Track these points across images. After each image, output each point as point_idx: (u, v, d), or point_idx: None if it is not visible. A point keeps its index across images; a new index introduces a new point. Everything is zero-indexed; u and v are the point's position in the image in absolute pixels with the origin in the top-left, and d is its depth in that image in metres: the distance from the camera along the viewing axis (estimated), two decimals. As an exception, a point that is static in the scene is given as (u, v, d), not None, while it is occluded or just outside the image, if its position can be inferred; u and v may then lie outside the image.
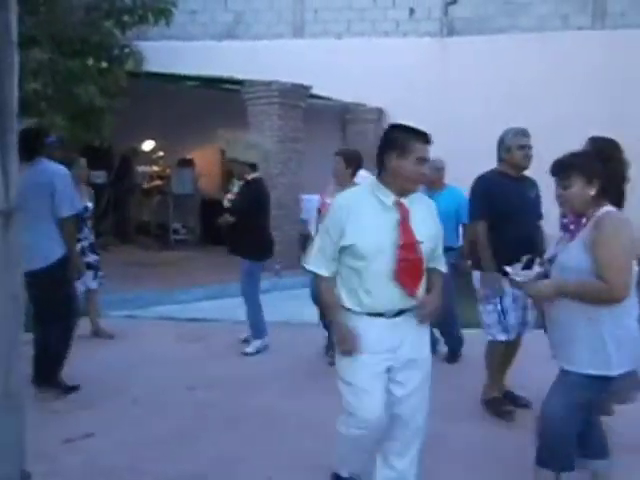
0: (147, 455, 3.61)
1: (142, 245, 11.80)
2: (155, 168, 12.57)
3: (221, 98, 10.48)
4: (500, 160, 4.09)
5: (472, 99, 11.47)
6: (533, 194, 4.09)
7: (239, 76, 9.74)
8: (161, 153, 12.67)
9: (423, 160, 2.70)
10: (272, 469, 3.40)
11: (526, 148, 3.99)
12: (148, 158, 12.61)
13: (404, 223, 2.67)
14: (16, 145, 1.89)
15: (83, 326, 5.38)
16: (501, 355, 4.12)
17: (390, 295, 2.67)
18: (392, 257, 2.62)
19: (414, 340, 2.75)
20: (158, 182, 12.25)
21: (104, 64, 6.85)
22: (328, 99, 10.96)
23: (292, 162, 9.52)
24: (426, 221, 2.77)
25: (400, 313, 2.71)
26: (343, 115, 12.05)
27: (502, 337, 4.01)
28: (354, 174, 4.97)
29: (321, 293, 2.82)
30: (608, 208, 2.65)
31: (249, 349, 5.51)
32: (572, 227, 2.76)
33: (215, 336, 6.12)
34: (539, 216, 4.21)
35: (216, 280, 8.73)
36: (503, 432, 3.85)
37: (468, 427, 3.91)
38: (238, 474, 3.42)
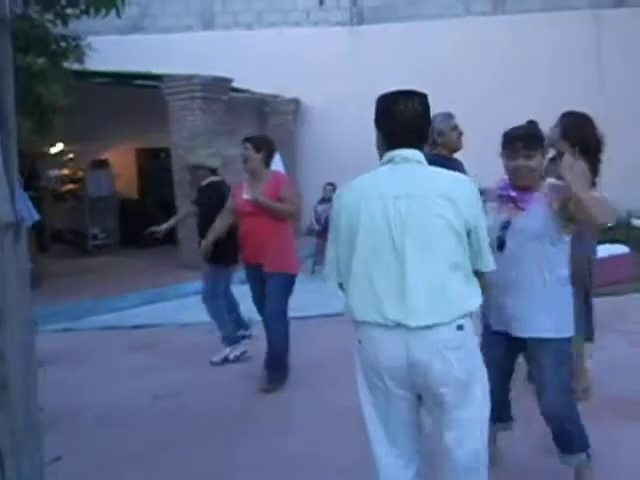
0: (126, 476, 3.41)
1: (58, 253, 11.18)
2: (66, 171, 11.91)
3: (135, 94, 10.06)
4: (433, 144, 4.17)
5: (386, 86, 11.65)
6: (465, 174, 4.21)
7: (151, 71, 9.39)
8: (71, 155, 12.02)
9: None
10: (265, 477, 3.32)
11: (458, 129, 4.11)
12: (57, 161, 11.93)
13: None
14: (17, 156, 1.72)
15: None
16: None
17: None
18: None
19: None
20: (71, 186, 11.62)
21: (40, 60, 6.30)
22: (246, 91, 10.80)
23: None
24: None
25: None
26: (261, 108, 11.93)
27: None
28: (267, 161, 4.62)
29: None
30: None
31: (215, 358, 5.16)
32: (514, 196, 2.77)
33: (165, 342, 5.90)
34: None
35: (147, 285, 8.42)
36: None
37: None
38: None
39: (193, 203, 5.52)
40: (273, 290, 4.45)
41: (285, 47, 11.88)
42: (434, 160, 4.08)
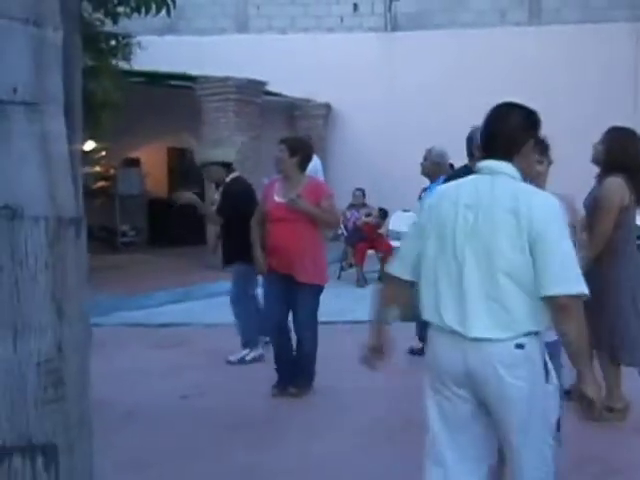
0: (153, 474, 3.42)
1: (87, 249, 11.28)
2: (97, 169, 12.06)
3: (169, 94, 10.16)
4: (470, 156, 4.13)
5: (417, 94, 11.65)
6: None
7: (186, 72, 9.47)
8: (103, 153, 12.16)
9: None
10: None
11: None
12: (89, 158, 12.06)
13: None
14: (80, 151, 1.73)
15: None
16: None
17: None
18: None
19: None
20: (102, 183, 11.76)
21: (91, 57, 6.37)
22: (278, 95, 10.84)
23: (249, 161, 9.35)
24: None
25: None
26: (292, 111, 11.97)
27: None
28: (302, 165, 4.41)
29: None
30: None
31: (232, 357, 5.25)
32: None
33: (193, 341, 5.94)
34: None
35: (174, 283, 8.47)
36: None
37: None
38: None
39: (219, 210, 5.25)
40: (306, 300, 4.35)
41: (318, 52, 11.91)
42: (464, 172, 4.09)
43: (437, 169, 5.21)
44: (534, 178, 2.58)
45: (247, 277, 5.13)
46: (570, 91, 11.05)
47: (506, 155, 2.20)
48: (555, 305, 2.03)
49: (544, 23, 12.20)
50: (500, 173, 2.18)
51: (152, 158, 12.00)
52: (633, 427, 3.66)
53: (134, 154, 12.15)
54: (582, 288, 2.01)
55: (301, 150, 4.39)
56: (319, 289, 4.40)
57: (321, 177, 5.79)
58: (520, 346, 2.05)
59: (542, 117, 2.31)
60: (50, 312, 1.49)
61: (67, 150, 1.50)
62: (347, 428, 3.88)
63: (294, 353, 4.49)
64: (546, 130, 3.27)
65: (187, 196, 5.56)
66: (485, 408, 2.16)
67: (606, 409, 3.47)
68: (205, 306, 7.50)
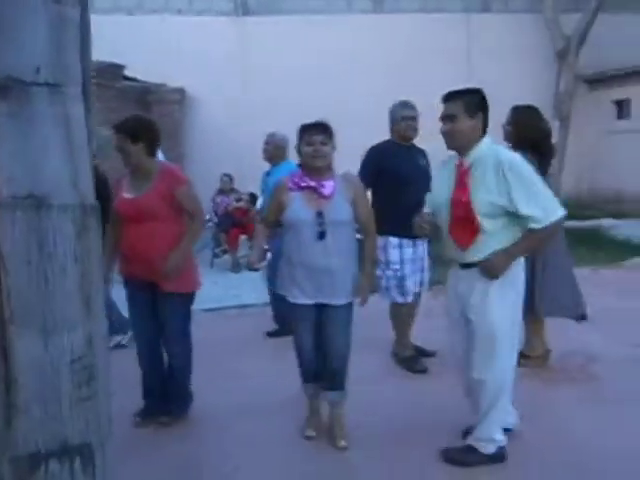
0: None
1: None
2: None
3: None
4: (391, 131, 4.39)
5: (270, 77, 11.79)
6: (423, 162, 4.44)
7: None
8: None
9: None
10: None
11: (409, 119, 4.31)
12: None
13: (459, 181, 2.86)
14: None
15: None
16: (403, 315, 4.47)
17: (448, 247, 2.97)
18: (447, 213, 2.90)
19: (474, 297, 2.89)
20: None
21: None
22: (133, 79, 10.39)
23: (109, 149, 8.87)
24: (485, 178, 2.77)
25: (467, 266, 2.90)
26: (145, 96, 11.50)
27: (400, 300, 4.35)
28: (150, 150, 3.50)
29: None
30: None
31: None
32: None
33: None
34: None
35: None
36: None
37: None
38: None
39: None
40: (175, 312, 3.59)
41: (169, 35, 11.58)
42: (384, 146, 4.34)
43: (279, 153, 5.35)
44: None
45: None
46: (411, 75, 11.76)
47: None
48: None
49: (386, 12, 12.88)
50: None
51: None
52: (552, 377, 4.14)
53: None
54: None
55: (144, 134, 3.48)
56: (189, 297, 3.65)
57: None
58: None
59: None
60: (79, 307, 1.41)
61: (87, 134, 1.42)
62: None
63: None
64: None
65: None
66: None
67: (524, 357, 4.01)
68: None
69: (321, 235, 3.02)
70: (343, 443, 3.26)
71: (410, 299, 4.38)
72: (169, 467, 3.16)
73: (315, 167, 3.09)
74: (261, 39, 12.05)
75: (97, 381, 1.46)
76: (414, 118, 4.33)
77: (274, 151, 5.35)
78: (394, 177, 4.18)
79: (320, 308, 3.18)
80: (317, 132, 3.06)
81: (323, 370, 3.32)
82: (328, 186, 3.08)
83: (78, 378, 1.41)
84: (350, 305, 3.20)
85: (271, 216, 3.28)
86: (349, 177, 3.26)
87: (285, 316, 5.30)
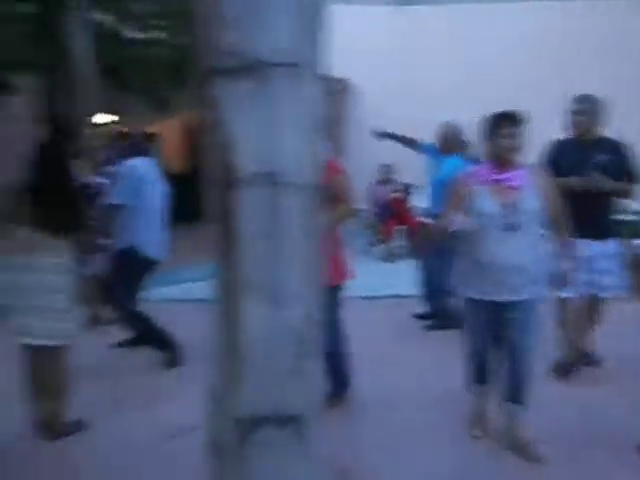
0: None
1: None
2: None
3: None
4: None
5: (434, 68, 11.61)
6: (603, 158, 4.13)
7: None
8: (118, 127, 11.98)
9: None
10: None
11: (576, 113, 4.07)
12: (103, 132, 11.88)
13: None
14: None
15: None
16: (575, 314, 4.19)
17: None
18: None
19: None
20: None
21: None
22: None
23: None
24: None
25: None
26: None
27: (573, 296, 4.07)
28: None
29: None
30: None
31: None
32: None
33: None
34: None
35: (202, 259, 8.37)
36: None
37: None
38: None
39: None
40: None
41: (333, 24, 11.75)
42: (560, 142, 4.16)
43: (452, 144, 5.25)
44: None
45: None
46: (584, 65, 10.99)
47: None
48: None
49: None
50: None
51: (168, 132, 11.84)
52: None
53: (151, 129, 11.97)
54: None
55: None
56: (335, 290, 3.61)
57: None
58: None
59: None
60: (305, 282, 1.46)
61: (319, 115, 1.45)
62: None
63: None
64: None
65: None
66: None
67: None
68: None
69: (510, 227, 2.90)
70: (534, 454, 3.05)
71: (587, 298, 4.11)
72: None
73: (509, 160, 2.98)
74: (424, 28, 11.89)
75: (313, 355, 1.51)
76: (580, 112, 4.07)
77: (446, 141, 5.29)
78: (566, 174, 3.96)
79: (501, 306, 3.04)
80: (514, 124, 2.95)
81: (504, 377, 3.15)
82: (518, 176, 2.96)
83: (297, 350, 1.46)
84: (535, 303, 3.05)
85: (452, 212, 3.11)
86: (536, 168, 3.14)
87: (445, 310, 5.26)
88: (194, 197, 10.04)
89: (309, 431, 1.51)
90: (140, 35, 2.71)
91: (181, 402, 3.91)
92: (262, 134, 1.37)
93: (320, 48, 1.43)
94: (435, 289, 5.38)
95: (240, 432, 1.45)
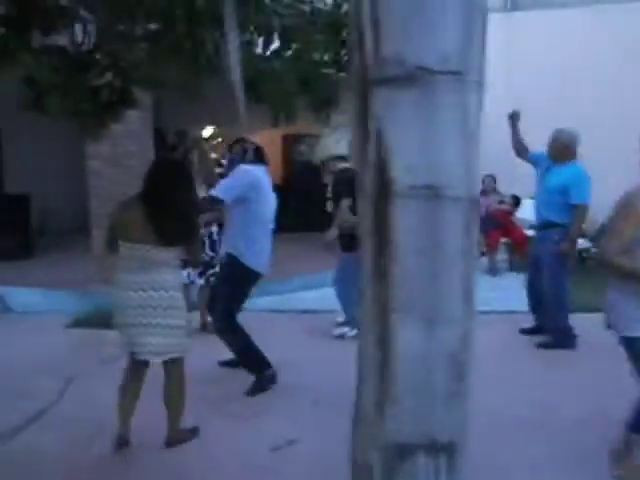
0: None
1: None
2: (213, 155, 12.23)
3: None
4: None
5: (540, 75, 11.17)
6: None
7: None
8: (219, 139, 12.34)
9: None
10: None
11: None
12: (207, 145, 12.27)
13: None
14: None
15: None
16: None
17: None
18: None
19: None
20: (219, 170, 11.90)
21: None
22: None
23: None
24: None
25: None
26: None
27: None
28: None
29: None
30: None
31: (336, 332, 5.56)
32: None
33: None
34: None
35: (305, 269, 8.43)
36: None
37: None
38: None
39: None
40: None
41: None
42: None
43: (566, 152, 5.04)
44: None
45: (346, 262, 5.20)
46: None
47: None
48: None
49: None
50: None
51: (268, 144, 12.07)
52: None
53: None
54: None
55: None
56: None
57: None
58: None
59: None
60: (461, 301, 1.38)
61: (480, 126, 1.37)
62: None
63: None
64: None
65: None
66: None
67: None
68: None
69: None
70: None
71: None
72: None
73: None
74: (529, 34, 11.48)
75: (466, 379, 1.41)
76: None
77: (560, 149, 5.10)
78: None
79: None
80: None
81: None
82: None
83: (452, 373, 1.38)
84: None
85: (628, 232, 2.57)
86: None
87: (562, 328, 4.99)
88: (291, 208, 10.09)
89: (461, 461, 1.41)
90: (275, 49, 2.77)
91: (281, 415, 3.92)
92: (422, 145, 1.30)
93: (483, 54, 1.34)
94: (547, 304, 5.13)
95: (387, 458, 1.38)
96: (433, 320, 1.34)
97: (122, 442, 3.28)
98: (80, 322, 5.99)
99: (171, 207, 3.18)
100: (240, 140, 4.84)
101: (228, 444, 3.51)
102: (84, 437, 3.26)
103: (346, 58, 3.07)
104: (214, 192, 4.12)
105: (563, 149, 5.09)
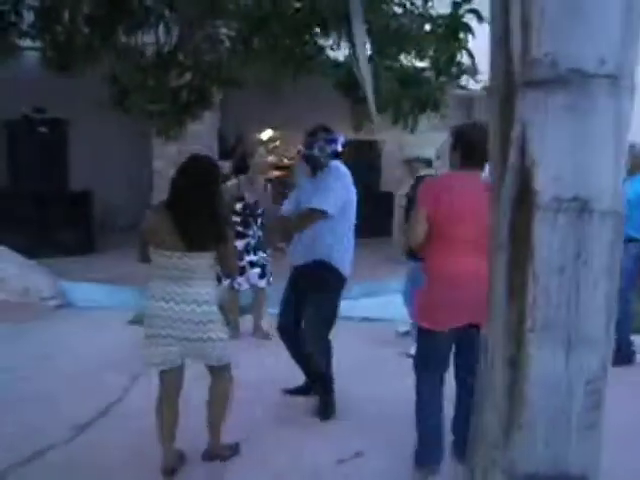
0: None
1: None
2: (271, 158, 12.27)
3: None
4: None
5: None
6: None
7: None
8: (277, 142, 12.40)
9: None
10: None
11: None
12: (265, 148, 12.31)
13: None
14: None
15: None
16: None
17: None
18: None
19: None
20: (276, 173, 11.94)
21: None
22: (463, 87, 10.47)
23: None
24: None
25: None
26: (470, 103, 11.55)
27: None
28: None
29: None
30: None
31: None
32: None
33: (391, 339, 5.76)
34: None
35: (366, 276, 8.31)
36: None
37: None
38: None
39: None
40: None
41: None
42: None
43: (638, 163, 4.93)
44: None
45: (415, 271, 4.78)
46: None
47: None
48: None
49: None
50: None
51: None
52: None
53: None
54: None
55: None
56: None
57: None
58: None
59: None
60: (603, 324, 1.27)
61: (628, 134, 1.26)
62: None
63: None
64: None
65: None
66: None
67: None
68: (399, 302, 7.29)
69: None
70: None
71: None
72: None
73: None
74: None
75: (601, 409, 1.31)
76: None
77: (633, 161, 4.95)
78: None
79: None
80: None
81: None
82: None
83: (589, 401, 1.27)
84: None
85: None
86: None
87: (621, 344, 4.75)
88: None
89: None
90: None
91: (345, 426, 3.84)
92: (571, 154, 1.20)
93: (636, 58, 1.23)
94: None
95: (515, 488, 1.28)
96: (573, 342, 1.24)
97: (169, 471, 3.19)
98: (142, 318, 6.02)
99: (198, 210, 2.96)
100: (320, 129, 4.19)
101: (290, 453, 3.45)
102: (150, 432, 3.25)
103: (458, 62, 2.98)
104: (325, 207, 3.72)
105: (635, 160, 4.97)
